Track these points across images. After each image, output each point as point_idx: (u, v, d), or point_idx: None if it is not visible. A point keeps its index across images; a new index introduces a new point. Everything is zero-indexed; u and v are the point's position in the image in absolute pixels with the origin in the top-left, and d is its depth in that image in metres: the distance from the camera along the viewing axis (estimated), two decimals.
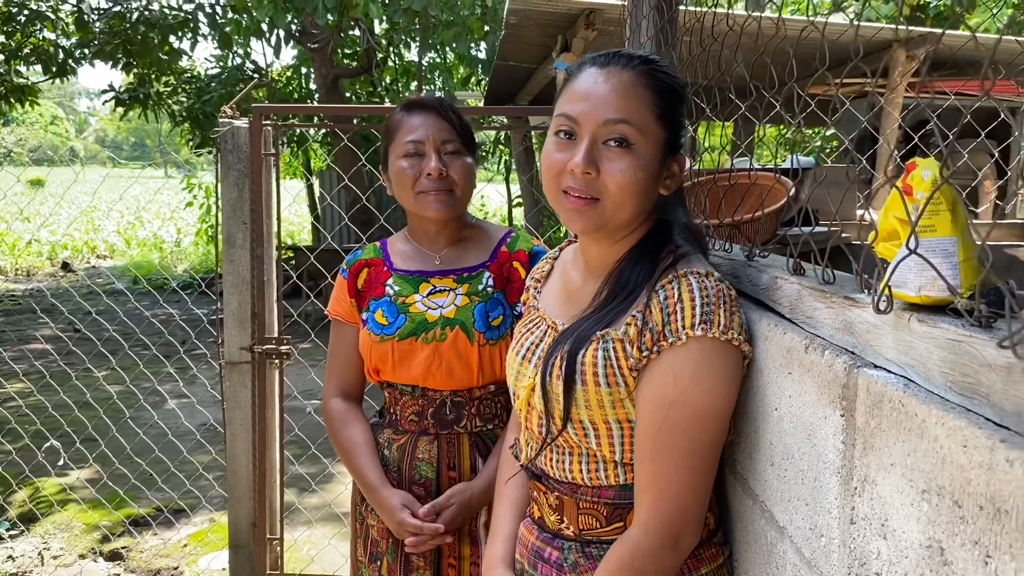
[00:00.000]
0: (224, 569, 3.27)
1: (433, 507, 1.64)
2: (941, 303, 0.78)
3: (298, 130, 10.72)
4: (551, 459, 1.27)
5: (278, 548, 3.01)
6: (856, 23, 1.04)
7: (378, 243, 1.86)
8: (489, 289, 1.73)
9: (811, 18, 1.11)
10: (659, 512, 1.13)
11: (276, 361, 2.91)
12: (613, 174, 1.15)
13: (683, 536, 1.14)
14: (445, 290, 1.73)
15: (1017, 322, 0.66)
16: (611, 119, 1.15)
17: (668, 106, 1.19)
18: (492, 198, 16.08)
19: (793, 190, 2.04)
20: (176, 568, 3.55)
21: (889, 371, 0.83)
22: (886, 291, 0.83)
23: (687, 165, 1.29)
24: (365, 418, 1.82)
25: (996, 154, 4.44)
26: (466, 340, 1.67)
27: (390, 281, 1.76)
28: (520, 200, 12.32)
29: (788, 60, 1.14)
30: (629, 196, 1.16)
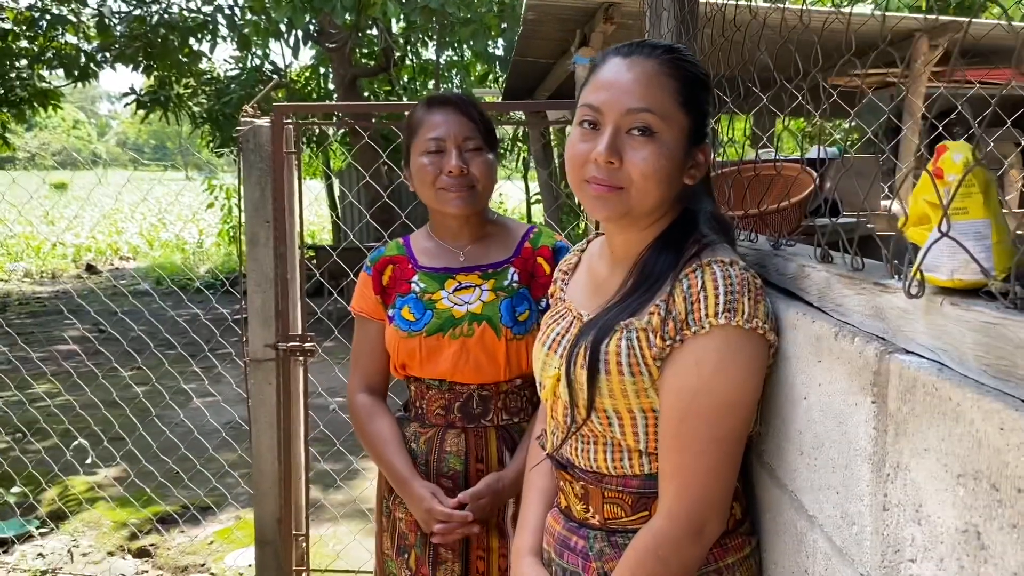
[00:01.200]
0: (250, 566, 3.30)
1: (470, 495, 1.65)
2: (974, 286, 0.77)
3: (318, 129, 10.79)
4: (576, 448, 1.27)
5: (304, 544, 3.03)
6: (882, 13, 1.03)
7: (400, 240, 1.87)
8: (515, 284, 1.74)
9: (835, 8, 1.10)
10: (683, 501, 1.12)
11: (300, 358, 2.93)
12: (636, 163, 1.15)
13: (707, 525, 1.14)
14: (471, 286, 1.73)
15: None
16: (634, 108, 1.15)
17: (692, 95, 1.19)
18: (511, 195, 16.06)
19: (817, 180, 2.02)
20: (203, 565, 3.59)
21: (921, 356, 0.82)
22: (917, 275, 0.82)
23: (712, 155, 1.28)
24: (391, 412, 1.83)
25: (1023, 142, 4.39)
26: (493, 335, 1.68)
27: (415, 278, 1.77)
28: (539, 197, 12.30)
29: (811, 51, 1.13)
30: (653, 184, 1.16)
